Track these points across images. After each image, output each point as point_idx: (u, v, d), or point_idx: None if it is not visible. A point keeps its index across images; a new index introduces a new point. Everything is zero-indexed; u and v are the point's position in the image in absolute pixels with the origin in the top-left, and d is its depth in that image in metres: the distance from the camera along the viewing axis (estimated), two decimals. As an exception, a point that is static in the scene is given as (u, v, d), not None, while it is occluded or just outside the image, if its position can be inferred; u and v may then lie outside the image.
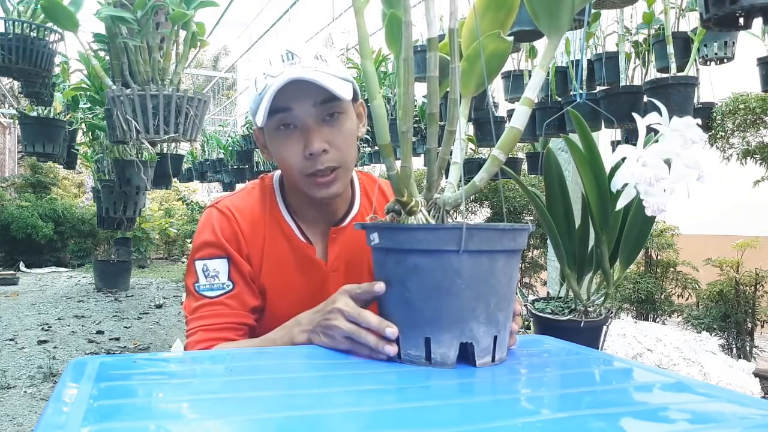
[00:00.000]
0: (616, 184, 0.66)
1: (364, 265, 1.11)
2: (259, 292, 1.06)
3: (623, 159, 0.68)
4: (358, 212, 1.13)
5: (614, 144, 3.37)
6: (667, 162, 0.67)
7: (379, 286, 0.73)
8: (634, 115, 0.67)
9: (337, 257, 1.09)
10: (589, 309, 1.16)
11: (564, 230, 1.12)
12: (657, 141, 0.72)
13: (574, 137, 1.01)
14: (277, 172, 1.14)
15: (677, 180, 0.67)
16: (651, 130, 0.71)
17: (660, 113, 0.69)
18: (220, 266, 1.03)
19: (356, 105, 1.06)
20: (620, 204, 0.68)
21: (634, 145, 0.70)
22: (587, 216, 1.10)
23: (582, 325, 1.15)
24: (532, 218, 5.12)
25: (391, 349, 0.71)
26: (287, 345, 0.86)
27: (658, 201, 0.64)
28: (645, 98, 2.51)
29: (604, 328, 1.18)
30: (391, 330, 0.71)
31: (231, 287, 1.02)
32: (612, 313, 1.19)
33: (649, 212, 0.65)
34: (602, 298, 1.18)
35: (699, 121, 0.69)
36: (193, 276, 1.03)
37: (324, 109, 0.98)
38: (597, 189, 0.98)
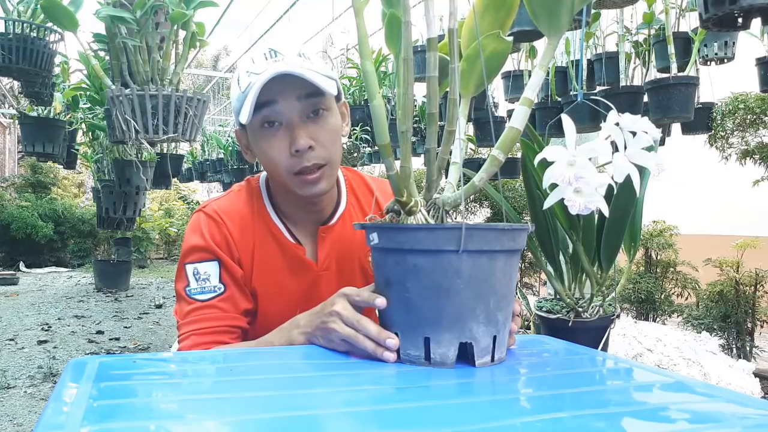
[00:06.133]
0: (544, 184, 0.67)
1: (355, 262, 1.10)
2: (251, 296, 1.05)
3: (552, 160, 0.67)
4: (346, 209, 1.12)
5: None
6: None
7: (381, 301, 0.73)
8: (563, 116, 0.67)
9: (327, 256, 1.08)
10: (579, 309, 1.17)
11: (545, 230, 1.13)
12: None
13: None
14: (263, 174, 1.13)
15: (621, 176, 0.66)
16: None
17: (610, 110, 0.69)
18: (210, 269, 1.02)
19: (339, 105, 1.06)
20: (547, 204, 0.69)
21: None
22: (548, 217, 1.12)
23: (570, 324, 1.16)
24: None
25: (390, 356, 0.71)
26: (285, 346, 0.86)
27: (585, 200, 0.64)
28: (645, 98, 2.51)
29: (609, 328, 1.18)
30: (392, 341, 0.71)
31: (223, 290, 1.01)
32: (614, 314, 1.19)
33: (573, 211, 0.64)
34: (591, 298, 1.19)
35: (646, 117, 0.68)
36: (184, 280, 1.02)
37: (308, 104, 0.97)
38: None
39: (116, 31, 1.88)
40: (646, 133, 0.67)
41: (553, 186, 0.66)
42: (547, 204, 0.68)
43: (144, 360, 0.76)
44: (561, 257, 1.20)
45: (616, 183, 0.67)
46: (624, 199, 1.05)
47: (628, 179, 0.67)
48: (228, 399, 0.58)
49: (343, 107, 1.08)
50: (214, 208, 1.06)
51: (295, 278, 1.07)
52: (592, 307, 1.18)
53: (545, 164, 0.66)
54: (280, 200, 1.09)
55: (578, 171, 0.63)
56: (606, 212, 0.67)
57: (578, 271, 1.17)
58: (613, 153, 0.67)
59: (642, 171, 0.70)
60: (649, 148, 0.68)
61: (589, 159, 0.65)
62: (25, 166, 11.58)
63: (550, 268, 1.19)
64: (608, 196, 1.07)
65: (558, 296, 1.22)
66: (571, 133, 0.66)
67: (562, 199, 0.65)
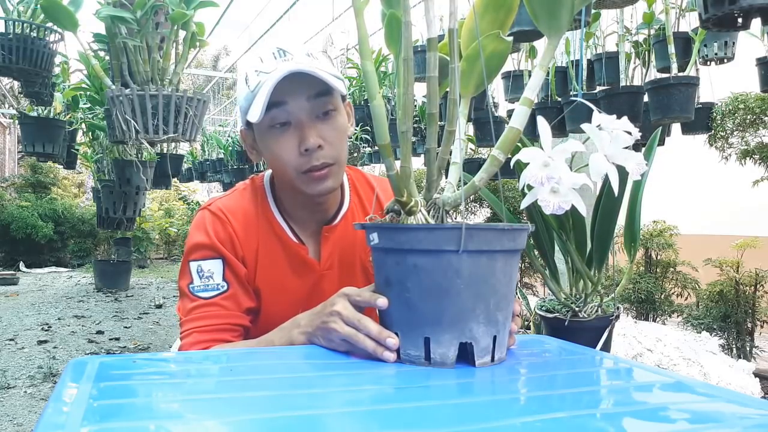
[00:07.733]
0: (520, 185, 0.67)
1: (357, 261, 1.11)
2: (253, 294, 1.06)
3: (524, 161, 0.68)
4: (349, 209, 1.12)
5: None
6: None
7: (382, 301, 0.73)
8: (538, 118, 0.67)
9: (330, 255, 1.09)
10: (576, 308, 1.18)
11: (540, 231, 1.14)
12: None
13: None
14: (267, 173, 1.13)
15: (598, 175, 0.67)
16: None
17: (592, 111, 0.69)
18: (214, 267, 1.02)
19: (345, 104, 1.07)
20: (523, 204, 0.70)
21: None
22: (543, 217, 1.12)
23: (566, 323, 1.16)
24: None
25: (390, 356, 0.71)
26: (286, 346, 0.86)
27: (560, 200, 0.64)
28: (645, 98, 2.51)
29: (608, 329, 1.18)
30: (393, 341, 0.71)
31: (226, 288, 1.01)
32: (614, 315, 1.19)
33: (548, 211, 0.65)
34: (586, 298, 1.19)
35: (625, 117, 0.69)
36: (187, 277, 1.03)
37: (317, 104, 0.98)
38: None
39: (116, 31, 1.88)
40: (630, 133, 0.68)
41: (531, 187, 0.67)
42: (523, 204, 0.69)
43: (144, 360, 0.76)
44: (561, 257, 1.20)
45: (603, 183, 0.68)
46: (610, 199, 1.05)
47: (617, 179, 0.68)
48: (228, 399, 0.58)
49: (348, 107, 1.09)
50: (219, 206, 1.07)
51: (298, 277, 1.07)
52: (591, 307, 1.18)
53: (524, 165, 0.67)
54: (284, 199, 1.10)
55: (550, 171, 0.64)
56: (583, 211, 0.68)
57: (575, 270, 1.17)
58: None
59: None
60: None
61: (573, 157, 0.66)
62: (25, 166, 11.58)
63: (546, 268, 1.19)
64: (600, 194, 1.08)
65: (575, 296, 1.23)
66: (547, 134, 0.67)
67: None
